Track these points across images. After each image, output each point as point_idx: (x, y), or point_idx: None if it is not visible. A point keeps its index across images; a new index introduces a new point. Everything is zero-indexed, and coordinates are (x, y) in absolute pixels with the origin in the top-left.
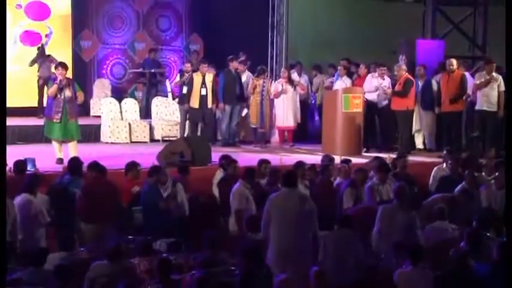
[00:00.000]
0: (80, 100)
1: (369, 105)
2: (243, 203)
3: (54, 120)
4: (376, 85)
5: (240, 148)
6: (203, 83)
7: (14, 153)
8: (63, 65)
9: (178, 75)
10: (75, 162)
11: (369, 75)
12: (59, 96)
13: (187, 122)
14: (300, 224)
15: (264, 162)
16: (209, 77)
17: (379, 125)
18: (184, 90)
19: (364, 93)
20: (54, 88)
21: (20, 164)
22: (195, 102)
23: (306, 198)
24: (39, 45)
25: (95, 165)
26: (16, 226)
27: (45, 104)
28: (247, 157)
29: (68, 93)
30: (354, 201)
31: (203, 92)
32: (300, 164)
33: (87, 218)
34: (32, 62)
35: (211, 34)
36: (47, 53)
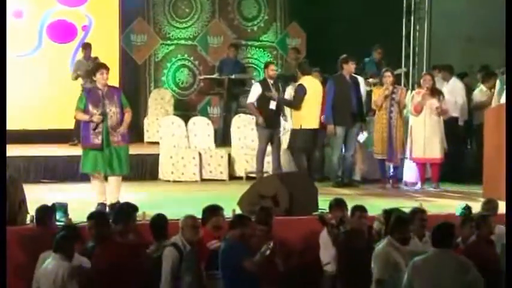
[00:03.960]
0: (126, 121)
1: None
2: (388, 271)
3: (93, 146)
4: None
5: (360, 189)
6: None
7: (38, 195)
8: (107, 67)
9: (258, 83)
10: (125, 209)
11: None
12: (95, 111)
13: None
14: None
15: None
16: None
17: None
18: (273, 105)
19: None
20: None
21: (46, 212)
22: (302, 120)
23: (467, 265)
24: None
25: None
26: None
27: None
28: (370, 202)
29: (112, 107)
30: None
31: None
32: (418, 211)
33: None
34: (77, 74)
35: (317, 23)
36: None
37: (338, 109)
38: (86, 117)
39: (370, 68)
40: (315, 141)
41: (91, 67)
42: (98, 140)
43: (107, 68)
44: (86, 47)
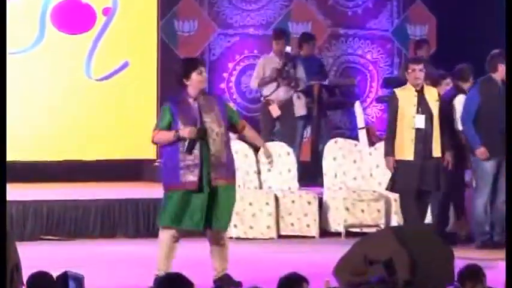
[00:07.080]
0: (256, 136)
1: None
2: None
3: (184, 187)
4: None
5: None
6: (420, 106)
7: (38, 258)
8: (204, 63)
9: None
10: (175, 284)
11: None
12: (183, 129)
13: None
14: None
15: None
16: (432, 95)
17: None
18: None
19: None
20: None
21: (48, 284)
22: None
23: None
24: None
25: None
26: None
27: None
28: None
29: (213, 124)
30: None
31: (419, 125)
32: None
33: None
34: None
35: (453, 5)
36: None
37: (485, 130)
38: (169, 135)
39: None
40: (421, 179)
41: (182, 65)
42: (192, 176)
43: (204, 65)
44: (280, 36)
